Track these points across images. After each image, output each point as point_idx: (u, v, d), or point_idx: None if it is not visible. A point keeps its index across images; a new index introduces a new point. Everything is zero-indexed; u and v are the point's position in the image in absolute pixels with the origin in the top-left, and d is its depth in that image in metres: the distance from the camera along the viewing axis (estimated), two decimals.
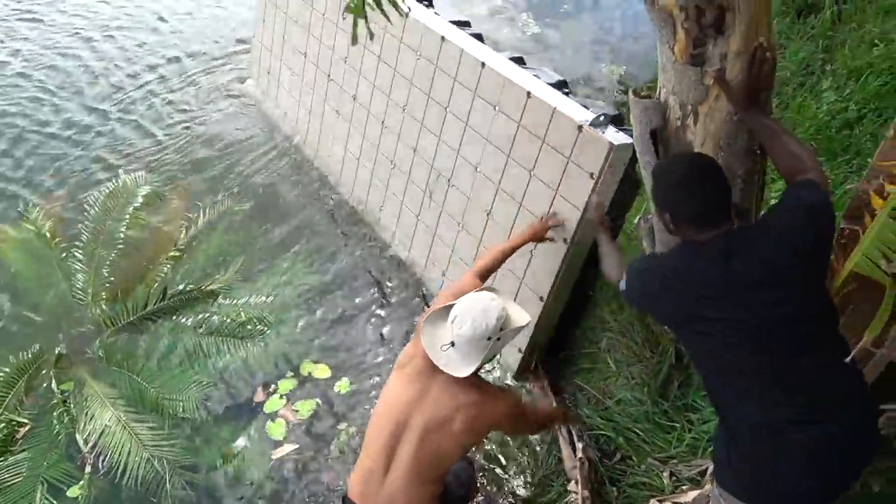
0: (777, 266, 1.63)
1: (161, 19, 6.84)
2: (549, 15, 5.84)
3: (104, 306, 3.96)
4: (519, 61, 3.43)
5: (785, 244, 1.65)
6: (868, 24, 3.67)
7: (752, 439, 1.71)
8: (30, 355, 3.75)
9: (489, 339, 2.06)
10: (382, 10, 1.68)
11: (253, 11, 5.59)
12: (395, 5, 1.69)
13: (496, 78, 3.28)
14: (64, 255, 4.17)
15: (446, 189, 3.74)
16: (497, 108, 3.31)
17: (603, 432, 3.03)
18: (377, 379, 3.65)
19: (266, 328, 3.85)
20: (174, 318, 3.92)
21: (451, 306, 2.14)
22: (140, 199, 4.47)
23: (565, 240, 3.07)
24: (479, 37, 3.65)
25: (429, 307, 3.69)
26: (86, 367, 3.76)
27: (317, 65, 4.65)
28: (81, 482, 3.28)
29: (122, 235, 4.22)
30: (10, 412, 3.47)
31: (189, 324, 3.87)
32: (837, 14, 3.85)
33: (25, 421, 3.47)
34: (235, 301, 3.99)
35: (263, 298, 4.02)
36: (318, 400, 3.60)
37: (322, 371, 3.73)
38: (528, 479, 3.10)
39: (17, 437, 3.44)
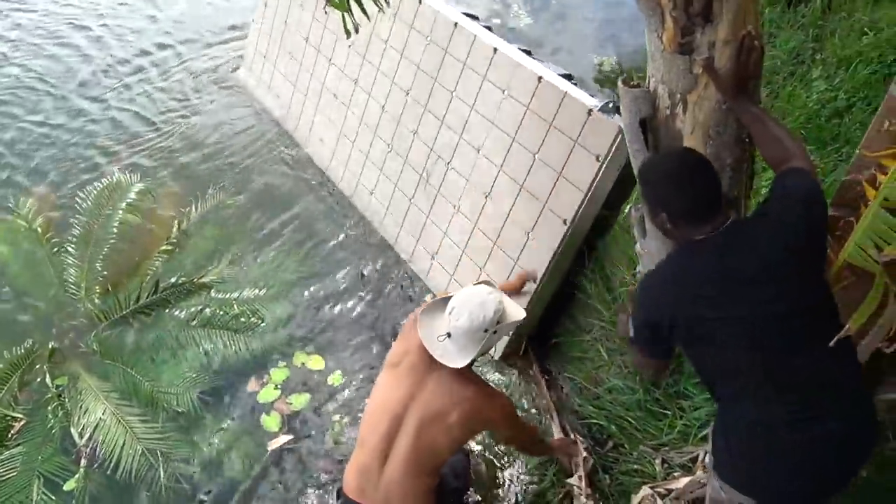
0: (770, 262, 1.63)
1: (155, 7, 6.79)
2: (542, 6, 5.83)
3: (97, 300, 3.95)
4: (527, 54, 3.51)
5: (777, 239, 1.64)
6: (857, 12, 3.68)
7: (748, 437, 1.71)
8: (23, 350, 3.75)
9: (485, 331, 2.08)
10: (362, 6, 1.68)
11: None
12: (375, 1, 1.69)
13: (508, 63, 3.39)
14: (56, 249, 4.16)
15: (444, 172, 3.80)
16: (506, 92, 3.41)
17: (595, 420, 3.06)
18: (369, 371, 3.67)
19: (259, 320, 3.86)
20: (167, 311, 3.92)
21: (448, 298, 2.16)
22: (133, 195, 4.47)
23: (565, 221, 3.16)
24: (488, 28, 3.75)
25: (422, 301, 3.71)
26: (79, 361, 3.77)
27: (318, 49, 4.67)
28: (77, 475, 3.29)
29: (114, 230, 4.21)
30: (5, 407, 3.47)
31: (182, 316, 3.87)
32: (827, 3, 3.86)
33: (20, 416, 3.48)
34: (228, 294, 3.99)
35: (256, 290, 4.02)
36: (311, 391, 3.61)
37: (316, 362, 3.74)
38: (523, 469, 3.13)
39: (13, 431, 3.44)
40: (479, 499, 3.04)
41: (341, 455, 3.32)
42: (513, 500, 3.05)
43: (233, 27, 6.29)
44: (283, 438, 3.43)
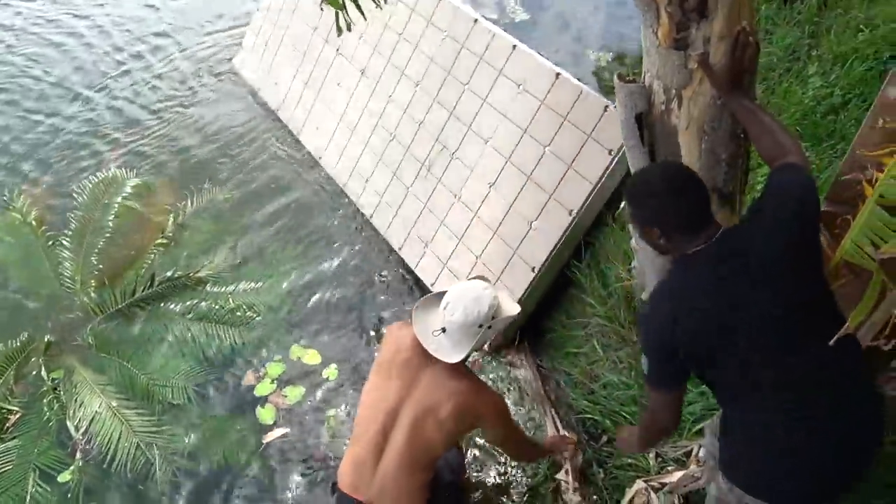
0: (765, 260, 1.62)
1: None
2: (537, 2, 5.82)
3: (92, 294, 3.95)
4: None
5: (772, 236, 1.64)
6: (854, 9, 3.68)
7: (749, 437, 1.71)
8: (19, 343, 3.75)
9: (480, 326, 2.09)
10: (358, 6, 1.68)
11: None
12: None
13: (527, 60, 3.56)
14: (51, 242, 4.15)
15: (448, 162, 3.87)
16: (521, 86, 3.56)
17: (589, 415, 3.07)
18: (366, 367, 3.68)
19: (255, 314, 3.86)
20: (163, 304, 3.92)
21: (443, 293, 2.16)
22: (129, 188, 4.46)
23: (570, 212, 3.25)
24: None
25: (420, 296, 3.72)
26: (75, 354, 3.77)
27: (326, 39, 4.72)
28: (72, 468, 3.29)
29: (110, 223, 4.21)
30: (1, 400, 3.48)
31: (177, 310, 3.88)
32: (823, 0, 3.86)
33: (16, 409, 3.49)
34: (224, 288, 3.99)
35: (252, 285, 4.02)
36: (306, 385, 3.62)
37: (312, 357, 3.74)
38: (516, 464, 3.14)
39: (8, 424, 3.45)
40: (476, 494, 3.06)
41: (336, 448, 3.33)
42: (508, 495, 3.07)
43: (232, 17, 6.27)
44: (278, 431, 3.44)
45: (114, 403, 3.41)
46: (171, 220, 4.34)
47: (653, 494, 2.59)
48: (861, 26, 3.56)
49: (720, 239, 1.68)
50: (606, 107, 3.12)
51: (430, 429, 2.11)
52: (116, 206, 4.33)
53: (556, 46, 5.29)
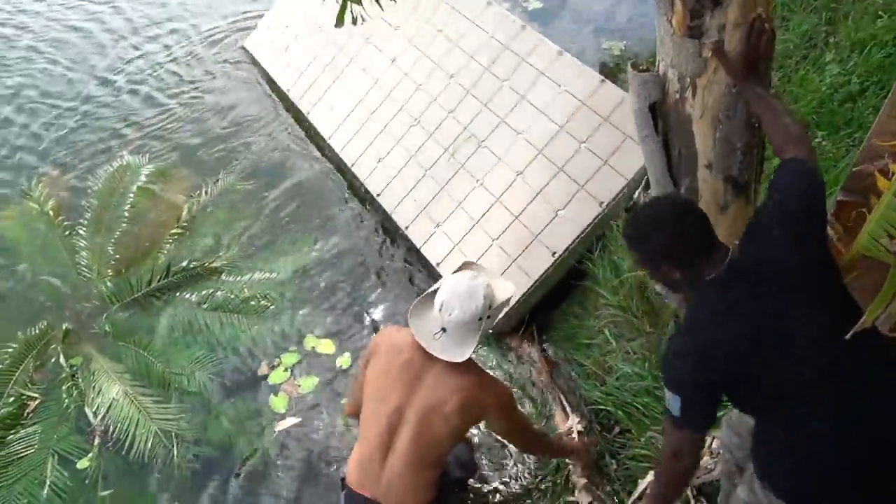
0: (786, 269, 1.60)
1: None
2: None
3: (109, 283, 4.00)
4: None
5: (786, 243, 1.61)
6: None
7: (796, 449, 1.66)
8: (38, 331, 3.81)
9: (480, 319, 2.07)
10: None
11: None
12: None
13: (572, 66, 3.85)
14: (68, 232, 4.20)
15: (475, 150, 3.98)
16: (562, 87, 3.80)
17: (602, 406, 3.07)
18: None
19: (269, 304, 3.89)
20: (178, 294, 3.96)
21: (434, 292, 2.13)
22: (143, 177, 4.50)
23: (601, 203, 3.40)
24: None
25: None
26: (92, 342, 3.82)
27: (355, 28, 4.69)
28: (90, 454, 3.35)
29: (125, 212, 4.26)
30: (21, 386, 3.54)
31: (193, 300, 3.92)
32: None
33: (35, 395, 3.54)
34: (238, 278, 4.03)
35: (267, 275, 4.05)
36: (320, 375, 3.65)
37: (326, 346, 3.77)
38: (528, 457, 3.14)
39: (28, 410, 3.51)
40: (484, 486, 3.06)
41: (348, 439, 3.36)
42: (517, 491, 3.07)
43: (247, 1, 6.27)
44: (291, 420, 3.47)
45: (131, 391, 3.45)
46: (186, 209, 4.37)
47: None
48: (880, 12, 3.51)
49: (735, 258, 1.65)
50: None
51: (437, 426, 2.10)
52: (132, 195, 4.37)
53: (568, 34, 5.25)
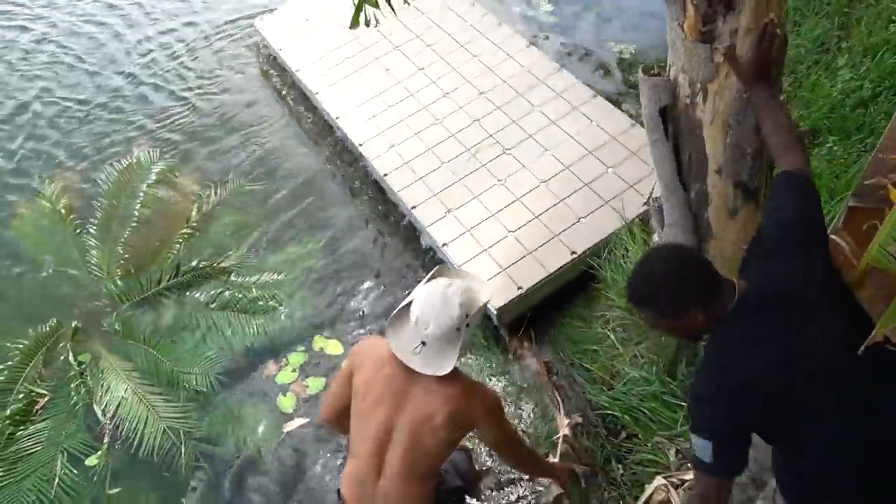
0: (800, 289, 1.58)
1: None
2: None
3: (119, 282, 4.02)
4: None
5: (789, 260, 1.61)
6: (885, 0, 3.61)
7: (828, 476, 1.63)
8: (47, 328, 3.83)
9: (458, 329, 1.99)
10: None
11: None
12: None
13: (604, 106, 4.21)
14: (79, 231, 4.23)
15: (498, 155, 4.13)
16: (594, 122, 4.12)
17: (609, 411, 3.06)
18: None
19: (277, 304, 3.91)
20: (187, 293, 3.98)
21: (408, 306, 2.05)
22: (153, 176, 4.53)
23: (624, 218, 3.52)
24: None
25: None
26: (101, 340, 3.84)
27: (384, 35, 4.96)
28: (99, 452, 3.37)
29: (136, 212, 4.28)
30: (30, 383, 3.56)
31: (202, 299, 3.93)
32: None
33: (45, 392, 3.57)
34: (247, 278, 4.04)
35: (275, 275, 4.06)
36: (328, 375, 3.66)
37: (334, 347, 3.77)
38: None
39: (37, 407, 3.53)
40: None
41: None
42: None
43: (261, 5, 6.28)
44: (298, 421, 3.48)
45: (139, 389, 3.47)
46: (195, 208, 4.39)
47: (672, 491, 2.57)
48: (893, 17, 3.50)
49: (744, 290, 1.62)
50: None
51: (427, 438, 2.05)
52: (142, 193, 4.40)
53: (579, 37, 5.25)
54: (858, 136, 3.18)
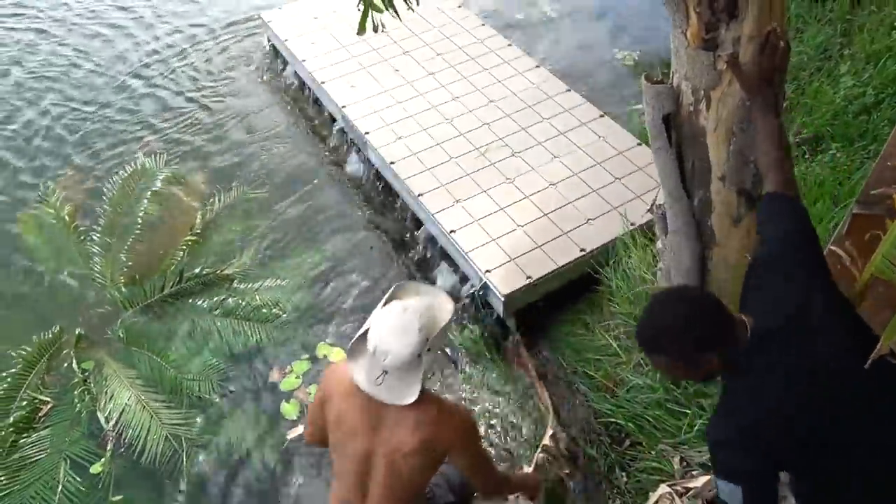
0: (809, 313, 1.58)
1: None
2: (565, 0, 5.79)
3: (122, 289, 4.03)
4: None
5: (791, 284, 1.61)
6: (887, 6, 3.62)
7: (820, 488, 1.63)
8: (51, 335, 3.83)
9: (419, 356, 1.91)
10: (392, 6, 1.70)
11: None
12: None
13: (611, 126, 4.36)
14: (82, 238, 4.24)
15: (507, 156, 4.21)
16: (602, 139, 4.25)
17: (612, 419, 3.05)
18: None
19: (281, 312, 3.91)
20: (191, 301, 3.98)
21: (365, 334, 1.97)
22: (158, 183, 4.54)
23: (631, 223, 3.60)
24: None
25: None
26: (105, 347, 3.84)
27: (395, 40, 5.06)
28: (103, 459, 3.36)
29: (139, 219, 4.29)
30: (33, 390, 3.56)
31: (205, 307, 3.93)
32: None
33: (48, 399, 3.56)
34: (250, 285, 4.04)
35: (278, 282, 4.06)
36: None
37: (338, 354, 3.77)
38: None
39: (41, 414, 3.53)
40: None
41: None
42: None
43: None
44: (302, 428, 3.47)
45: (143, 396, 3.47)
46: (200, 216, 4.40)
47: (677, 499, 2.57)
48: (895, 24, 3.50)
49: (754, 325, 1.59)
50: None
51: (401, 466, 2.02)
52: (146, 200, 4.40)
53: (583, 43, 5.26)
54: (861, 142, 3.18)
